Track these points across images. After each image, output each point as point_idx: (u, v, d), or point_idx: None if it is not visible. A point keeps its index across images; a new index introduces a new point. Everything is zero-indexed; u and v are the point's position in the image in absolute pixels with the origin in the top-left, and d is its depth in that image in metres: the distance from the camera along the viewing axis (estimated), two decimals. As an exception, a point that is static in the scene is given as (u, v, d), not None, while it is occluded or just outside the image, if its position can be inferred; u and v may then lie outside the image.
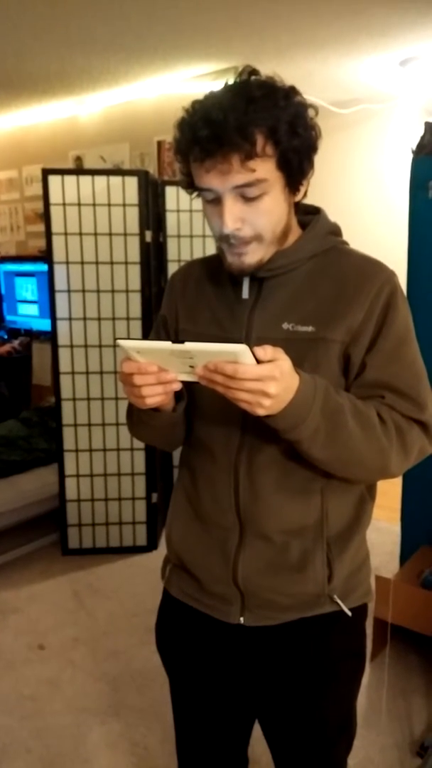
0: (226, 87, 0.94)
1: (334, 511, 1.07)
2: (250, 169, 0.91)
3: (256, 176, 0.92)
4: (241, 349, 0.79)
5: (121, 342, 0.86)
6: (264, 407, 0.85)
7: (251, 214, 0.96)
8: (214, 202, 0.97)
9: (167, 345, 0.81)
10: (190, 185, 1.01)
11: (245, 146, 0.89)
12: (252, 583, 1.07)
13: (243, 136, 0.89)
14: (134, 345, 0.86)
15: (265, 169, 0.93)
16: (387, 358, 1.00)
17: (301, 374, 0.89)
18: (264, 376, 0.82)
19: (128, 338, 0.87)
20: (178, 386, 0.92)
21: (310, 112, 0.97)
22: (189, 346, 0.80)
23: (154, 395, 0.91)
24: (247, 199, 0.94)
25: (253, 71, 0.96)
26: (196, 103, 0.94)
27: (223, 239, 0.99)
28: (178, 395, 1.03)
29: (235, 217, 0.95)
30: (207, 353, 0.81)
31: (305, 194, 1.04)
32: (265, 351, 0.83)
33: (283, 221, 1.00)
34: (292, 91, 0.95)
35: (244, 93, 0.91)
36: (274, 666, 1.12)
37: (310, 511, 1.05)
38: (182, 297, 1.16)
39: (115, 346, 3.02)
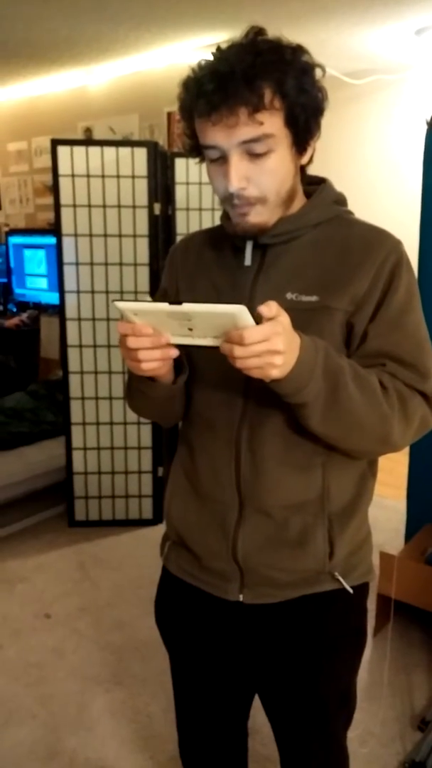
0: (233, 44, 0.92)
1: (335, 487, 1.06)
2: (258, 122, 0.89)
3: (263, 130, 0.90)
4: (239, 309, 0.77)
5: (118, 303, 0.84)
6: (277, 366, 0.82)
7: (257, 173, 0.94)
8: (219, 161, 0.95)
9: (164, 306, 0.80)
10: (195, 148, 0.99)
11: (253, 98, 0.88)
12: (251, 560, 1.06)
13: (250, 88, 0.87)
14: (131, 306, 0.85)
15: (273, 123, 0.91)
16: (389, 326, 0.99)
17: (301, 335, 0.87)
18: (269, 334, 0.79)
19: (125, 300, 0.85)
20: (175, 352, 0.90)
21: (317, 73, 0.95)
22: (186, 307, 0.78)
23: (151, 360, 0.89)
24: (253, 156, 0.92)
25: (260, 31, 0.93)
26: (202, 61, 0.93)
27: (227, 200, 0.97)
28: (178, 367, 1.01)
29: (240, 175, 0.93)
30: (204, 314, 0.80)
31: (311, 159, 1.01)
32: (270, 307, 0.81)
33: (289, 182, 0.98)
34: (299, 49, 0.93)
35: (251, 48, 0.90)
36: (273, 643, 1.12)
37: (311, 486, 1.04)
38: (183, 267, 1.14)
39: (122, 319, 3.01)
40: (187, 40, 3.42)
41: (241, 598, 1.09)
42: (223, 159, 0.94)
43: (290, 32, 2.79)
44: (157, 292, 1.21)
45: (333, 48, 3.56)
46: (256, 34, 0.93)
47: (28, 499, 3.21)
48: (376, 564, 2.13)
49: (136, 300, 0.88)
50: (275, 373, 0.83)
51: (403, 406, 0.97)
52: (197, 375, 1.07)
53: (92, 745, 1.95)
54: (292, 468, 1.03)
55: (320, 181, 1.09)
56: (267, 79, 0.88)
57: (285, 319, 0.83)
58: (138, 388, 1.06)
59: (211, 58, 0.93)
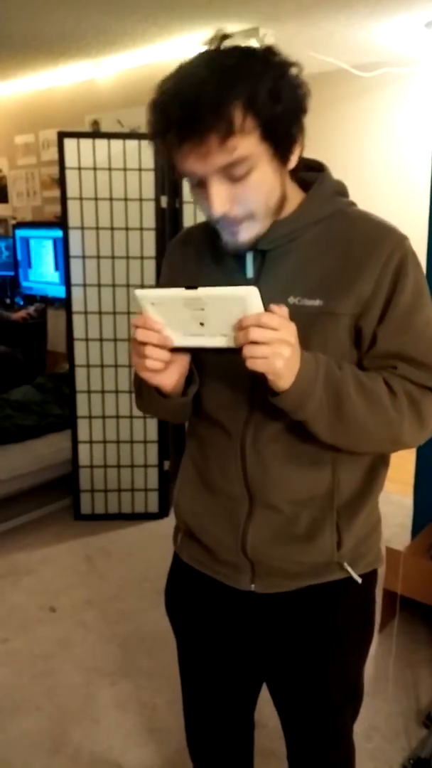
0: (197, 57, 0.87)
1: (345, 480, 1.06)
2: (231, 148, 0.85)
3: (238, 155, 0.85)
4: (251, 290, 0.80)
5: (137, 291, 0.86)
6: (284, 358, 0.83)
7: (240, 193, 0.90)
8: (200, 185, 0.91)
9: (180, 291, 0.82)
10: (173, 169, 0.93)
11: (221, 125, 0.82)
12: (260, 553, 1.07)
13: (218, 114, 0.82)
14: (150, 294, 0.86)
15: (248, 144, 0.86)
16: (397, 327, 0.97)
17: (301, 351, 0.88)
18: (283, 323, 0.83)
19: (144, 287, 0.87)
20: (167, 356, 0.90)
21: (294, 70, 0.89)
22: (201, 291, 0.81)
23: (156, 359, 0.89)
24: (234, 179, 0.88)
25: (225, 36, 0.88)
26: (168, 80, 0.87)
27: (214, 221, 0.95)
28: (188, 379, 1.01)
29: (222, 200, 0.89)
30: (217, 298, 0.82)
31: (299, 163, 0.97)
32: (282, 309, 0.84)
33: (276, 193, 0.94)
34: (269, 53, 0.87)
35: (216, 64, 0.84)
36: (283, 631, 1.13)
37: (321, 482, 1.04)
38: (183, 266, 1.11)
39: (129, 313, 3.01)
40: (195, 33, 3.40)
41: (252, 587, 1.10)
42: (203, 183, 0.90)
43: (299, 24, 2.77)
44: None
45: (342, 40, 3.53)
46: (221, 39, 0.87)
47: (34, 492, 3.22)
48: (383, 553, 2.13)
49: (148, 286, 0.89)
50: (280, 365, 0.83)
51: (416, 408, 0.97)
52: (205, 374, 1.06)
53: (98, 737, 1.95)
54: (300, 465, 1.03)
55: (318, 166, 1.05)
56: (236, 100, 0.83)
57: (293, 326, 0.85)
58: (150, 399, 1.04)
59: (177, 71, 0.87)
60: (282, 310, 0.84)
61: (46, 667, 2.25)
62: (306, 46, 3.58)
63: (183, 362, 0.96)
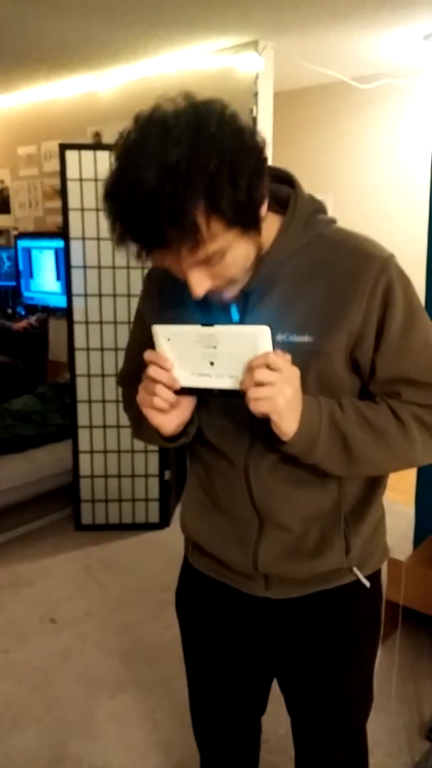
0: (142, 146, 0.79)
1: (350, 490, 1.07)
2: (201, 251, 0.82)
3: (207, 251, 0.83)
4: (264, 329, 0.84)
5: (154, 327, 0.90)
6: (286, 397, 0.85)
7: (218, 271, 0.87)
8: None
9: (196, 328, 0.86)
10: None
11: (188, 238, 0.80)
12: (272, 569, 1.08)
13: (182, 227, 0.78)
14: (166, 329, 0.90)
15: (217, 240, 0.83)
16: (394, 354, 0.96)
17: (305, 399, 0.91)
18: (287, 367, 0.86)
19: (161, 324, 0.91)
20: (173, 397, 0.92)
21: (246, 127, 0.83)
22: (217, 328, 0.85)
23: (163, 398, 0.91)
24: (210, 264, 0.86)
25: (164, 124, 0.80)
26: (116, 178, 0.81)
27: None
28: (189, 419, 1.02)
29: (202, 285, 0.88)
30: (231, 335, 0.86)
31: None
32: (286, 355, 0.87)
33: (253, 255, 0.91)
34: (220, 121, 0.80)
35: (166, 164, 0.76)
36: (296, 632, 1.14)
37: (328, 497, 1.05)
38: (158, 298, 1.07)
39: (130, 322, 3.01)
40: (196, 45, 3.42)
41: (267, 594, 1.11)
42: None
43: (298, 37, 2.79)
44: (135, 316, 1.18)
45: (341, 52, 3.55)
46: (163, 122, 0.79)
47: (34, 501, 3.21)
48: (384, 569, 2.11)
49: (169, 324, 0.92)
50: (281, 404, 0.86)
51: (427, 430, 0.98)
52: (206, 401, 1.05)
53: (97, 751, 1.94)
54: (306, 485, 1.04)
55: (286, 178, 1.00)
56: (195, 208, 0.78)
57: (297, 370, 0.88)
58: (148, 435, 1.06)
59: (126, 159, 0.81)
60: (287, 356, 0.86)
61: (45, 679, 2.23)
62: (305, 59, 3.61)
63: (186, 409, 0.97)
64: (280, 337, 0.93)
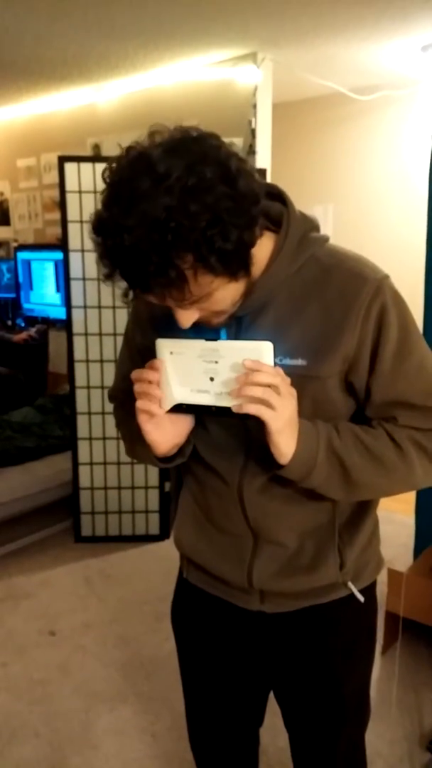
0: (136, 182, 0.76)
1: (344, 503, 1.06)
2: (188, 297, 0.82)
3: (195, 296, 0.83)
4: (267, 345, 0.85)
5: (158, 340, 0.91)
6: (273, 407, 0.85)
7: (206, 306, 0.87)
8: None
9: (200, 342, 0.88)
10: None
11: (174, 287, 0.79)
12: (267, 585, 1.08)
13: (168, 280, 0.78)
14: (169, 343, 0.91)
15: (204, 285, 0.82)
16: (390, 377, 0.95)
17: (301, 421, 0.91)
18: (279, 375, 0.86)
19: (166, 338, 0.91)
20: (160, 411, 0.93)
21: (241, 167, 0.80)
22: (221, 343, 0.88)
23: (150, 407, 0.92)
24: (198, 303, 0.86)
25: (140, 156, 0.78)
26: (106, 209, 0.79)
27: None
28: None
29: (189, 319, 0.88)
30: (233, 349, 0.87)
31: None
32: (286, 378, 0.88)
33: (242, 289, 0.90)
34: (217, 164, 0.78)
35: (155, 212, 0.75)
36: (292, 645, 1.14)
37: (322, 512, 1.05)
38: (149, 321, 1.07)
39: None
40: (195, 57, 3.44)
41: (262, 608, 1.11)
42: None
43: (297, 48, 2.80)
44: (124, 339, 1.18)
45: (340, 63, 3.57)
46: (156, 166, 0.76)
47: (34, 514, 3.21)
48: (384, 580, 2.10)
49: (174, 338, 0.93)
50: (268, 415, 0.85)
51: (425, 453, 0.98)
52: (197, 428, 1.04)
53: (96, 763, 1.92)
54: (300, 502, 1.03)
55: (277, 195, 0.98)
56: (184, 258, 0.77)
57: (294, 392, 0.89)
58: (143, 457, 1.06)
59: (110, 201, 0.79)
60: (287, 379, 0.87)
61: (44, 692, 2.22)
62: (304, 70, 3.63)
63: (183, 430, 0.98)
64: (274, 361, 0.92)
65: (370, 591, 1.15)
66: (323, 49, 3.32)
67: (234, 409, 0.86)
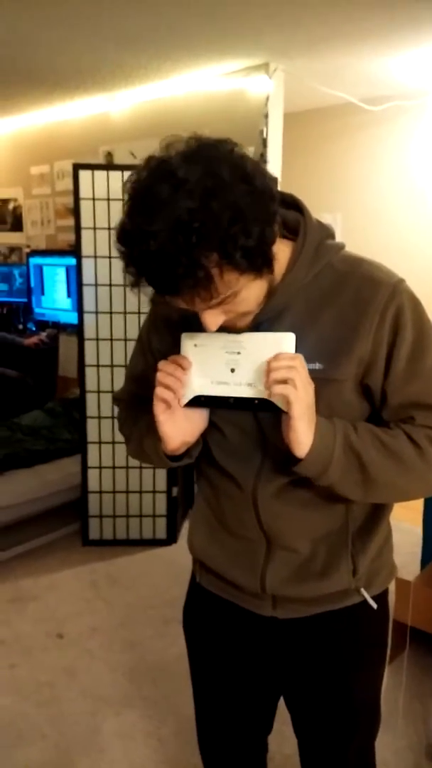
0: (157, 190, 0.79)
1: (357, 509, 1.07)
2: (214, 297, 0.84)
3: (221, 296, 0.85)
4: (289, 335, 0.90)
5: (185, 333, 0.95)
6: (296, 388, 0.87)
7: (231, 308, 0.89)
8: None
9: (225, 335, 0.92)
10: None
11: (201, 287, 0.81)
12: (279, 590, 1.09)
13: (196, 280, 0.80)
14: (195, 336, 0.95)
15: (230, 284, 0.84)
16: (405, 379, 0.96)
17: (318, 417, 0.92)
18: (302, 361, 0.90)
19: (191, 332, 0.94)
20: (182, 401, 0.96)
21: (255, 171, 0.83)
22: (244, 336, 0.91)
23: (169, 397, 0.94)
24: (224, 303, 0.87)
25: (164, 163, 0.81)
26: (129, 219, 0.82)
27: None
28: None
29: (215, 322, 0.89)
30: (256, 341, 0.91)
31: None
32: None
33: (266, 289, 0.92)
34: (232, 166, 0.80)
35: (179, 215, 0.77)
36: (304, 652, 1.14)
37: (336, 517, 1.06)
38: (165, 326, 1.08)
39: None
40: (208, 68, 3.48)
41: (274, 614, 1.12)
42: None
43: (309, 60, 2.82)
44: (136, 346, 1.20)
45: (351, 74, 3.60)
46: (175, 172, 0.78)
47: (42, 516, 3.22)
48: (391, 589, 2.10)
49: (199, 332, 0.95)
50: (293, 395, 0.87)
51: None
52: (215, 421, 1.05)
53: (103, 767, 1.93)
54: (314, 507, 1.04)
55: (293, 203, 1.01)
56: (209, 257, 0.79)
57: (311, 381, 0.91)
58: (150, 457, 1.08)
59: (136, 211, 0.81)
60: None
61: (51, 694, 2.23)
62: (316, 80, 3.66)
63: (196, 428, 0.99)
64: None
65: (382, 598, 1.15)
66: (335, 59, 3.34)
67: (256, 395, 0.91)
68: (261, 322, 0.96)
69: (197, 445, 1.05)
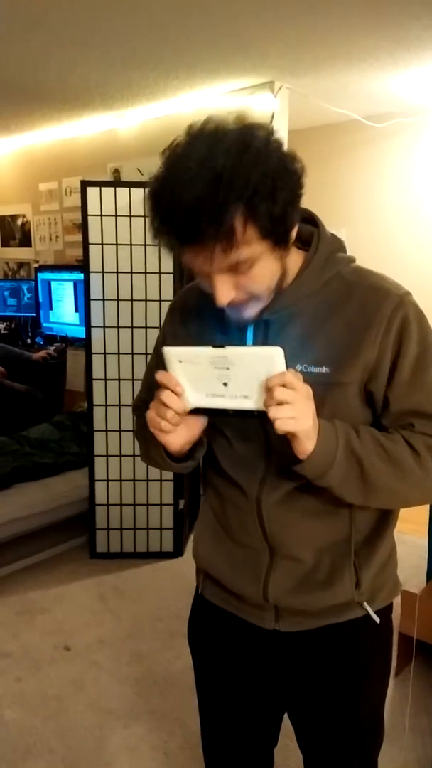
0: (190, 150, 0.85)
1: (361, 521, 1.08)
2: (233, 255, 0.87)
3: (239, 257, 0.87)
4: (278, 350, 0.84)
5: (165, 349, 0.90)
6: (311, 415, 0.87)
7: (244, 282, 0.91)
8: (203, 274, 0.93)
9: (208, 350, 0.87)
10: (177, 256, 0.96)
11: (223, 239, 0.84)
12: (282, 601, 1.09)
13: (219, 228, 0.83)
14: (177, 351, 0.90)
15: (249, 247, 0.87)
16: (407, 387, 0.98)
17: (321, 422, 0.92)
18: (304, 385, 0.87)
19: (173, 346, 0.91)
20: (180, 420, 0.93)
21: (288, 152, 0.89)
22: (229, 350, 0.86)
23: (172, 422, 0.93)
24: (238, 272, 0.90)
25: (217, 129, 0.87)
26: (161, 177, 0.87)
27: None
28: (197, 442, 1.04)
29: (227, 293, 0.91)
30: (244, 357, 0.86)
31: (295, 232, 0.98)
32: (297, 373, 0.87)
33: (278, 274, 0.95)
34: (266, 141, 0.86)
35: (211, 168, 0.82)
36: (307, 666, 1.14)
37: (339, 528, 1.07)
38: (183, 328, 1.12)
39: (147, 354, 3.07)
40: (214, 86, 3.53)
41: (277, 627, 1.12)
42: (207, 275, 0.92)
43: (315, 78, 2.86)
44: (155, 345, 1.21)
45: (355, 91, 3.65)
46: (213, 135, 0.85)
47: (50, 529, 3.24)
48: (397, 602, 2.10)
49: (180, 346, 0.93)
50: (310, 423, 0.87)
51: None
52: (221, 430, 1.08)
53: (109, 780, 1.93)
54: (318, 517, 1.05)
55: (310, 218, 1.05)
56: (235, 212, 0.83)
57: (309, 388, 0.89)
58: (157, 461, 1.08)
59: (171, 164, 0.86)
60: (298, 375, 0.87)
61: (59, 707, 2.23)
62: (320, 98, 3.71)
63: (194, 427, 0.98)
64: (299, 368, 0.97)
65: (386, 613, 1.15)
66: (339, 77, 3.39)
67: (254, 407, 0.87)
68: (271, 323, 1.00)
69: (201, 447, 1.06)
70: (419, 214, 4.15)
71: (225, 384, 0.88)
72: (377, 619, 1.12)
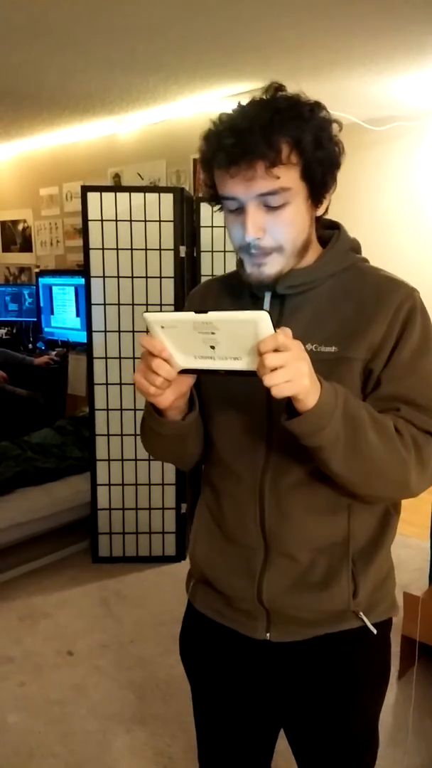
0: (253, 100, 0.96)
1: (359, 526, 1.08)
2: (275, 176, 0.92)
3: (279, 184, 0.93)
4: (263, 314, 0.82)
5: (146, 315, 0.87)
6: (306, 374, 0.84)
7: (273, 224, 0.96)
8: (237, 211, 0.98)
9: (190, 315, 0.84)
10: (214, 197, 1.03)
11: (270, 154, 0.91)
12: (276, 602, 1.08)
13: (268, 143, 0.90)
14: (158, 318, 0.86)
15: (289, 177, 0.94)
16: (402, 371, 1.00)
17: (322, 380, 0.89)
18: (295, 343, 0.84)
19: (153, 313, 0.87)
20: (167, 384, 0.92)
21: (335, 128, 0.99)
22: (212, 315, 0.82)
23: (159, 387, 0.91)
24: (270, 208, 0.95)
25: (279, 87, 0.98)
26: (223, 115, 0.96)
27: (243, 249, 1.00)
28: (189, 404, 1.03)
29: (257, 225, 0.96)
30: (228, 322, 0.83)
31: (327, 210, 1.05)
32: (287, 330, 0.84)
33: (305, 233, 1.01)
34: (317, 106, 0.97)
35: (270, 105, 0.94)
36: (301, 679, 1.13)
37: (337, 529, 1.06)
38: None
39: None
40: (214, 91, 3.54)
41: (268, 636, 1.11)
42: (240, 209, 0.97)
43: (314, 82, 2.87)
44: None
45: (355, 96, 3.66)
46: (276, 89, 0.97)
47: (52, 534, 3.24)
48: (400, 602, 2.11)
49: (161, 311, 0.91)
50: (307, 383, 0.84)
51: (419, 452, 0.97)
52: (219, 417, 1.09)
53: (112, 785, 1.93)
54: (318, 513, 1.05)
55: (335, 225, 1.12)
56: (284, 135, 0.92)
57: (300, 344, 0.86)
58: (150, 426, 1.06)
59: (232, 111, 0.97)
60: (288, 331, 0.84)
61: (62, 712, 2.23)
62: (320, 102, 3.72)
63: (183, 384, 0.95)
64: (309, 347, 0.99)
65: (383, 628, 1.14)
66: (339, 82, 3.41)
67: (246, 367, 0.85)
68: (285, 298, 1.04)
69: (193, 409, 1.04)
70: (420, 218, 4.15)
71: (212, 347, 0.86)
72: (374, 630, 1.10)
